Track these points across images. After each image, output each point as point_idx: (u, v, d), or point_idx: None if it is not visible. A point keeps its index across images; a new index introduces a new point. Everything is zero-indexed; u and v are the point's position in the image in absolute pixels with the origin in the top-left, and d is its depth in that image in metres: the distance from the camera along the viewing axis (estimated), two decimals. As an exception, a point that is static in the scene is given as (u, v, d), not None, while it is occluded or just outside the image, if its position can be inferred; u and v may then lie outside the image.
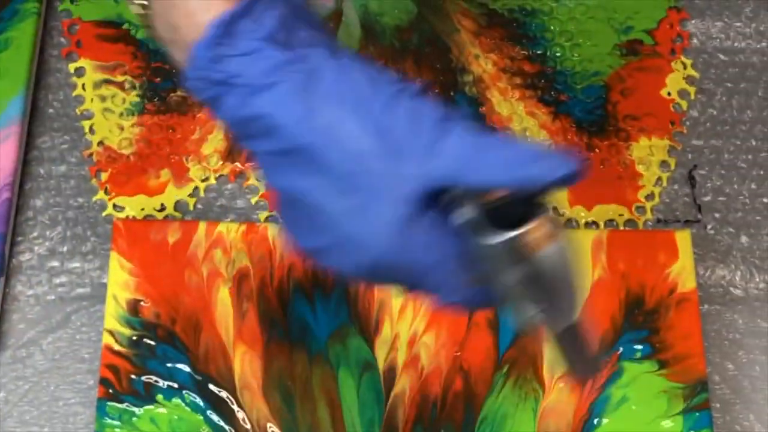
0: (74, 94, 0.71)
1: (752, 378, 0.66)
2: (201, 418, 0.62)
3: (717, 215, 0.70)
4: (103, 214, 0.68)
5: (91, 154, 0.70)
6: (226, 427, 0.61)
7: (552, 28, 0.74)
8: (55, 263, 0.67)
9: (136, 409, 0.61)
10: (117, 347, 0.63)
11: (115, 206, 0.68)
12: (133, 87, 0.71)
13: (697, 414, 0.62)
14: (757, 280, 0.68)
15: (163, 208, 0.68)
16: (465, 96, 0.72)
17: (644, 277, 0.65)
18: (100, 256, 0.67)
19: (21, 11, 0.72)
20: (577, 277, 0.46)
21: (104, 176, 0.69)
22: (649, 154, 0.71)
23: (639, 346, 0.64)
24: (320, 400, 0.62)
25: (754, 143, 0.72)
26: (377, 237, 0.44)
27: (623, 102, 0.72)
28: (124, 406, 0.62)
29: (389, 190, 0.44)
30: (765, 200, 0.70)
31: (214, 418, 0.62)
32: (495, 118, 0.71)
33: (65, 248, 0.67)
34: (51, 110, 0.71)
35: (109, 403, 0.61)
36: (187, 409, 0.62)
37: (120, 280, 0.64)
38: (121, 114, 0.71)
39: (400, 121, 0.44)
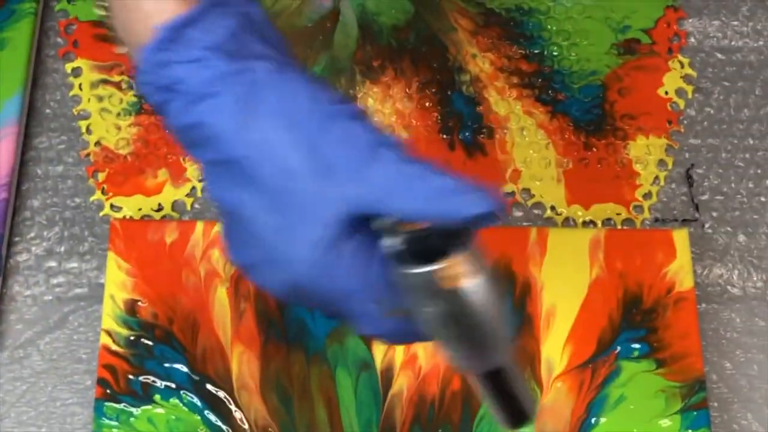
0: (71, 94, 0.71)
1: (750, 377, 0.66)
2: (199, 418, 0.62)
3: (714, 214, 0.70)
4: (101, 214, 0.68)
5: (88, 154, 0.70)
6: (224, 428, 0.61)
7: (549, 27, 0.74)
8: (53, 263, 0.67)
9: (133, 410, 0.61)
10: (114, 347, 0.63)
11: (112, 206, 0.68)
12: (131, 87, 0.71)
13: (695, 413, 0.62)
14: (755, 278, 0.68)
15: (160, 208, 0.68)
16: (462, 95, 0.72)
17: (642, 276, 0.65)
18: (98, 257, 0.67)
19: (18, 11, 0.72)
20: (501, 317, 0.44)
21: (101, 176, 0.69)
22: (646, 153, 0.71)
23: (637, 345, 0.64)
24: (318, 400, 0.62)
25: (751, 142, 0.72)
26: (300, 258, 0.44)
27: (620, 101, 0.72)
28: (121, 406, 0.61)
29: (314, 210, 0.43)
30: (762, 199, 0.70)
31: (212, 418, 0.62)
32: (492, 118, 0.71)
33: (62, 248, 0.67)
34: (48, 110, 0.71)
35: (106, 404, 0.61)
36: (185, 409, 0.62)
37: (117, 280, 0.64)
38: (119, 114, 0.71)
39: (333, 141, 0.44)
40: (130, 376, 0.62)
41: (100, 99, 0.71)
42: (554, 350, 0.63)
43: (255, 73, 0.45)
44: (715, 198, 0.70)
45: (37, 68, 0.72)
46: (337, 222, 0.43)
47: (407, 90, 0.72)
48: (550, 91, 0.72)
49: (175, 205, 0.69)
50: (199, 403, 0.62)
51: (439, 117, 0.71)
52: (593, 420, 0.62)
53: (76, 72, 0.72)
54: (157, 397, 0.62)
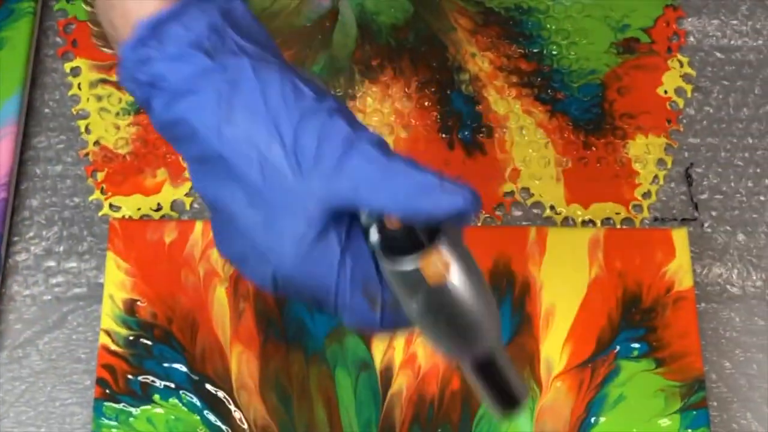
0: (70, 93, 0.71)
1: (749, 376, 0.66)
2: (198, 418, 0.62)
3: (714, 213, 0.70)
4: (100, 213, 0.68)
5: (87, 154, 0.70)
6: (223, 427, 0.61)
7: (548, 26, 0.74)
8: (52, 263, 0.67)
9: (133, 409, 0.61)
10: (114, 347, 0.63)
11: (111, 206, 0.68)
12: (129, 86, 0.71)
13: (695, 412, 0.62)
14: (754, 278, 0.68)
15: (159, 208, 0.68)
16: (461, 94, 0.72)
17: (641, 275, 0.65)
18: (97, 256, 0.67)
19: (16, 11, 0.72)
20: (486, 306, 0.45)
21: (100, 176, 0.69)
22: (645, 152, 0.71)
23: (636, 345, 0.64)
24: (317, 400, 0.62)
25: (750, 141, 0.72)
26: (282, 252, 0.44)
27: (620, 100, 0.72)
28: (120, 406, 0.61)
29: (297, 205, 0.44)
30: (762, 198, 0.70)
31: (211, 418, 0.62)
32: (491, 117, 0.71)
33: (61, 248, 0.67)
34: (47, 110, 0.71)
35: (105, 404, 0.61)
36: (184, 409, 0.62)
37: (116, 280, 0.64)
38: (117, 113, 0.71)
39: (312, 137, 0.44)
40: (130, 376, 0.62)
41: (99, 98, 0.71)
42: (554, 350, 0.63)
43: (236, 69, 0.45)
44: (714, 197, 0.70)
45: (35, 68, 0.72)
46: (320, 216, 0.44)
47: (406, 89, 0.72)
48: (549, 90, 0.72)
49: (174, 205, 0.69)
50: (198, 403, 0.62)
51: (438, 116, 0.71)
52: (593, 419, 0.62)
53: (75, 71, 0.72)
54: (156, 396, 0.62)
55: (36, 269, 0.67)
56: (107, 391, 0.62)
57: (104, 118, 0.71)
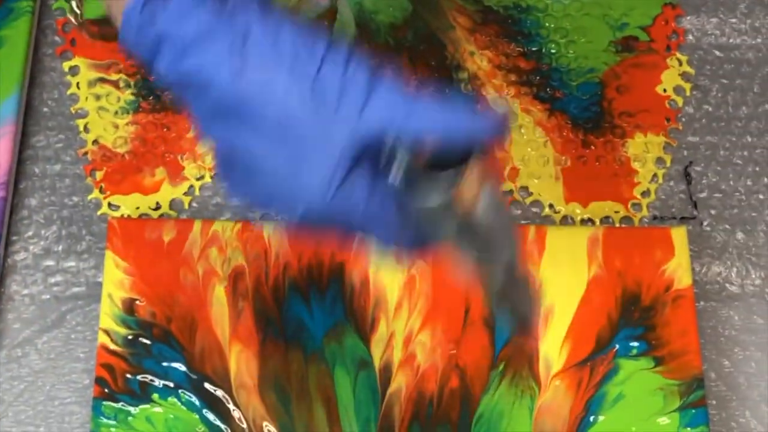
0: (69, 92, 0.71)
1: (748, 375, 0.66)
2: (197, 417, 0.62)
3: (713, 212, 0.70)
4: (98, 212, 0.68)
5: (85, 153, 0.70)
6: (222, 426, 0.61)
7: (547, 24, 0.74)
8: (50, 262, 0.67)
9: (131, 409, 0.61)
10: (112, 346, 0.63)
11: (110, 205, 0.68)
12: (128, 85, 0.71)
13: (693, 411, 0.62)
14: (753, 276, 0.68)
15: (158, 207, 0.68)
16: (460, 93, 0.72)
17: (640, 274, 0.65)
18: (95, 255, 0.67)
19: (15, 10, 0.72)
20: (510, 223, 0.48)
21: (99, 175, 0.69)
22: (644, 151, 0.71)
23: (635, 343, 0.64)
24: (316, 399, 0.62)
25: (749, 139, 0.72)
26: (313, 190, 0.46)
27: (619, 99, 0.72)
28: (119, 405, 0.61)
29: (321, 144, 0.45)
30: (761, 196, 0.70)
31: (210, 417, 0.62)
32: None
33: (60, 247, 0.67)
34: (45, 109, 0.71)
35: (104, 403, 0.61)
36: (183, 408, 0.62)
37: (115, 279, 0.64)
38: (116, 112, 0.71)
39: (334, 79, 0.46)
40: (128, 375, 0.62)
41: (98, 97, 0.71)
42: (553, 348, 0.63)
43: (243, 19, 0.46)
44: (713, 196, 0.70)
45: (34, 67, 0.72)
46: (349, 153, 0.45)
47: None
48: (548, 89, 0.72)
49: (173, 204, 0.69)
50: (197, 402, 0.62)
51: (437, 115, 0.71)
52: (591, 418, 0.62)
53: (74, 70, 0.72)
54: (155, 396, 0.62)
55: (35, 268, 0.67)
56: (106, 390, 0.62)
57: (103, 117, 0.71)
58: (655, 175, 0.70)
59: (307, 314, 0.64)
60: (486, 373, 0.63)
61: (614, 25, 0.75)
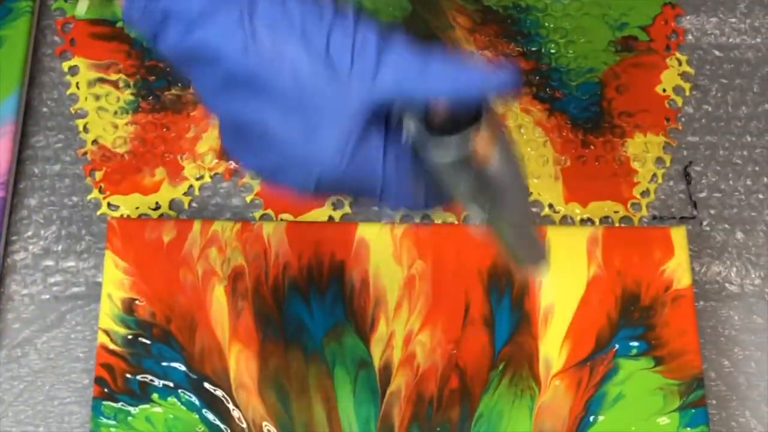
0: (68, 92, 0.71)
1: (748, 374, 0.66)
2: (197, 417, 0.62)
3: (712, 211, 0.70)
4: (98, 212, 0.68)
5: (85, 153, 0.70)
6: (222, 426, 0.61)
7: (546, 24, 0.74)
8: (50, 262, 0.67)
9: (131, 408, 0.61)
10: (112, 346, 0.63)
11: (109, 205, 0.68)
12: (128, 85, 0.71)
13: (693, 411, 0.62)
14: (753, 276, 0.68)
15: (157, 207, 0.68)
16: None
17: (640, 273, 0.65)
18: (95, 255, 0.67)
19: (14, 10, 0.72)
20: (521, 172, 0.49)
21: (99, 175, 0.69)
22: (644, 151, 0.71)
23: (635, 343, 0.64)
24: (316, 399, 0.62)
25: (749, 139, 0.72)
26: (326, 155, 0.46)
27: (618, 98, 0.72)
28: (119, 405, 0.61)
29: (335, 110, 0.46)
30: (760, 196, 0.70)
31: (210, 416, 0.62)
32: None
33: (60, 247, 0.67)
34: (45, 109, 0.71)
35: (104, 403, 0.61)
36: (183, 408, 0.62)
37: (115, 279, 0.64)
38: (116, 112, 0.71)
39: (344, 44, 0.46)
40: (128, 375, 0.62)
41: (97, 97, 0.71)
42: (552, 348, 0.63)
43: None
44: (713, 195, 0.70)
45: (33, 67, 0.72)
46: (362, 117, 0.46)
47: (405, 88, 0.72)
48: (547, 89, 0.72)
49: (173, 204, 0.69)
50: (197, 402, 0.62)
51: (436, 115, 0.71)
52: (591, 418, 0.62)
53: (73, 70, 0.72)
54: (155, 396, 0.62)
55: (34, 268, 0.67)
56: (106, 390, 0.62)
57: (102, 117, 0.71)
58: (654, 174, 0.70)
59: (307, 314, 0.64)
60: (486, 373, 0.63)
61: (614, 25, 0.75)
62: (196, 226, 0.66)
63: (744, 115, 0.73)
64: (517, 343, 0.64)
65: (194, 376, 0.62)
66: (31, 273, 0.66)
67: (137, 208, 0.68)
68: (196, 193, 0.69)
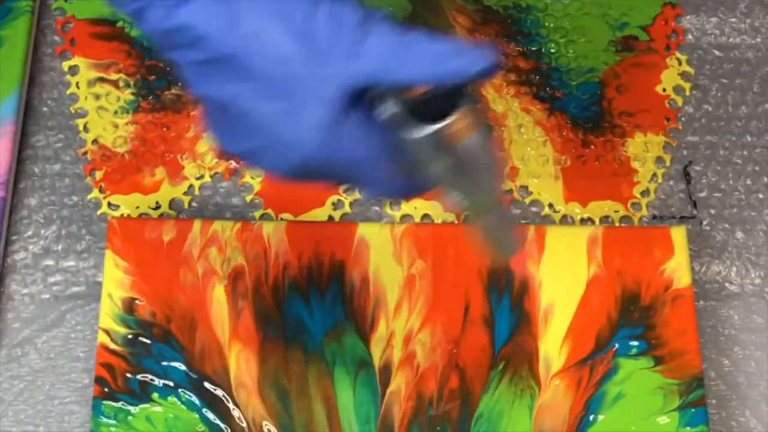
0: (68, 92, 0.71)
1: (748, 374, 0.66)
2: (197, 416, 0.62)
3: (712, 211, 0.70)
4: (98, 212, 0.68)
5: (85, 153, 0.70)
6: (222, 426, 0.61)
7: (547, 24, 0.74)
8: (50, 262, 0.67)
9: (131, 408, 0.61)
10: (112, 346, 0.63)
11: (109, 204, 0.68)
12: (128, 85, 0.71)
13: (693, 410, 0.62)
14: (753, 275, 0.68)
15: (158, 207, 0.68)
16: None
17: (640, 273, 0.65)
18: (95, 255, 0.67)
19: (14, 9, 0.72)
20: (497, 160, 0.49)
21: (99, 174, 0.69)
22: (644, 151, 0.71)
23: (634, 343, 0.64)
24: (316, 398, 0.62)
25: (749, 139, 0.72)
26: (306, 138, 0.46)
27: (618, 98, 0.72)
28: (119, 404, 0.61)
29: (315, 92, 0.45)
30: (760, 196, 0.70)
31: (210, 416, 0.62)
32: (490, 115, 0.71)
33: (60, 247, 0.67)
34: (45, 108, 0.71)
35: (104, 402, 0.61)
36: (183, 407, 0.62)
37: (115, 279, 0.64)
38: (116, 112, 0.71)
39: (321, 25, 0.46)
40: (128, 375, 0.62)
41: (97, 97, 0.71)
42: (552, 348, 0.63)
43: None
44: (713, 195, 0.70)
45: (33, 66, 0.72)
46: (340, 99, 0.45)
47: (405, 87, 0.72)
48: (547, 89, 0.72)
49: (173, 204, 0.69)
50: (197, 402, 0.62)
51: (436, 114, 0.71)
52: (591, 417, 0.62)
53: (73, 70, 0.72)
54: (155, 395, 0.62)
55: (34, 268, 0.67)
56: (106, 389, 0.62)
57: (102, 117, 0.71)
58: (654, 174, 0.70)
59: (306, 314, 0.64)
60: (486, 373, 0.63)
61: (614, 25, 0.75)
62: (196, 225, 0.66)
63: (744, 115, 0.73)
64: (517, 342, 0.64)
65: (194, 376, 0.62)
66: (31, 272, 0.66)
67: (137, 207, 0.68)
68: (196, 192, 0.69)
